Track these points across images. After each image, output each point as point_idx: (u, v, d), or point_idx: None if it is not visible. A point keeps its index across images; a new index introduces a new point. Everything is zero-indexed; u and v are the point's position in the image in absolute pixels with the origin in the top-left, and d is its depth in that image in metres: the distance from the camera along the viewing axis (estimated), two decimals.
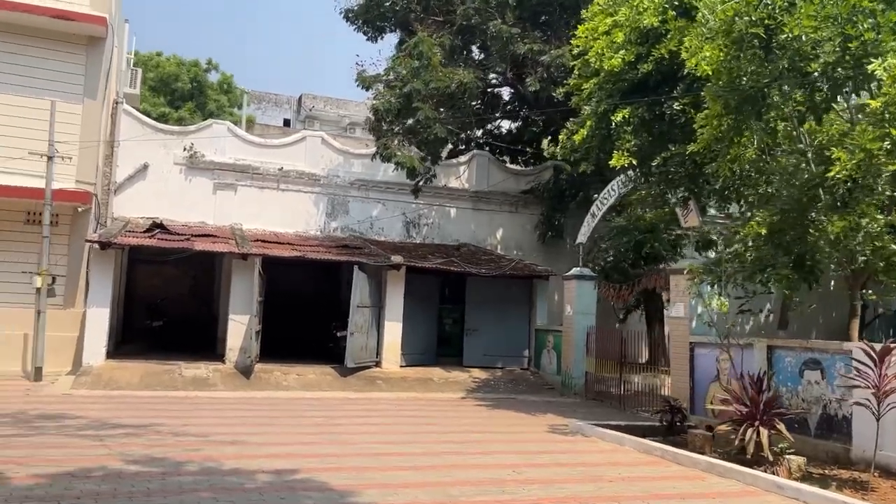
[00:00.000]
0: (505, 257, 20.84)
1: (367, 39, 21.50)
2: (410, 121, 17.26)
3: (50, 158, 15.20)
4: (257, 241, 17.66)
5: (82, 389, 13.66)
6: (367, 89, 18.42)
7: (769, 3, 9.50)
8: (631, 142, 12.22)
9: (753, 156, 10.89)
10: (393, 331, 17.57)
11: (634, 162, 12.24)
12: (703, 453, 10.09)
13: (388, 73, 17.47)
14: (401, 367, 17.54)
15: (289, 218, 20.56)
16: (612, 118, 12.32)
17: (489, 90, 20.98)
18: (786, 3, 9.36)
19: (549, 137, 25.28)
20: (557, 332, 17.93)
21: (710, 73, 9.82)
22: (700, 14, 10.29)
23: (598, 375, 16.75)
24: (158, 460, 7.86)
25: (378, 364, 17.37)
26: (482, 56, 17.72)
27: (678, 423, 11.67)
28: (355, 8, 20.10)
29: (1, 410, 10.78)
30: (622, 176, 15.89)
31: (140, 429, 9.80)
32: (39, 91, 16.72)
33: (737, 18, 9.52)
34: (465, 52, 17.97)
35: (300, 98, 46.60)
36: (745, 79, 9.88)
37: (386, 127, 17.58)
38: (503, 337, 18.84)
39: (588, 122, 12.76)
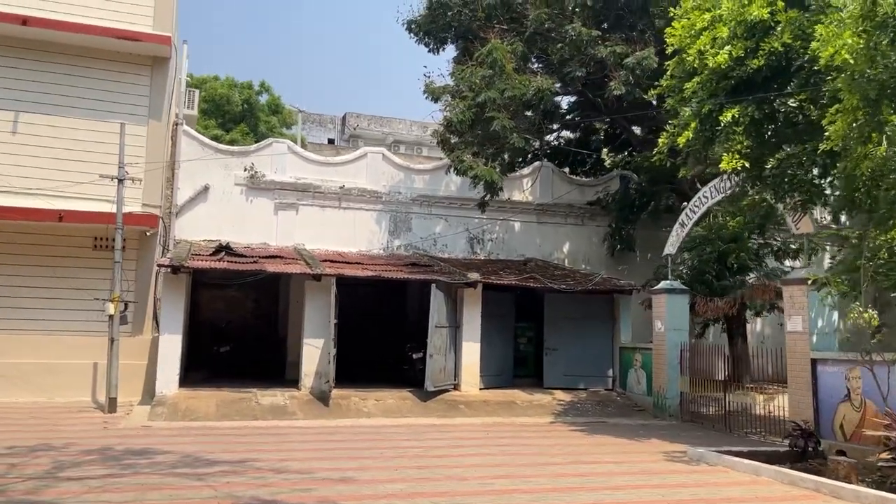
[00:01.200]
0: (579, 272, 19.93)
1: (429, 51, 20.86)
2: (477, 132, 16.50)
3: (120, 181, 14.76)
4: (325, 261, 17.02)
5: (160, 421, 13.06)
6: (437, 101, 17.73)
7: None
8: (743, 143, 11.27)
9: (884, 153, 9.90)
10: (471, 352, 16.75)
11: (747, 164, 11.27)
12: (848, 482, 9.05)
13: (458, 82, 16.74)
14: (480, 389, 16.69)
15: (351, 236, 19.93)
16: (721, 118, 11.41)
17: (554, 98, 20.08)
18: None
19: (610, 146, 24.46)
20: (645, 350, 16.92)
21: (851, 62, 8.87)
22: None
23: (692, 395, 15.72)
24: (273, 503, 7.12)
25: (456, 387, 16.55)
26: (556, 62, 16.88)
27: (812, 449, 10.61)
28: (418, 18, 19.49)
29: (85, 446, 10.18)
30: (718, 181, 14.96)
31: (237, 465, 9.09)
32: (103, 114, 16.43)
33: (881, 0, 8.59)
34: (536, 59, 17.16)
35: (344, 117, 46.42)
36: (886, 67, 8.95)
37: (458, 139, 16.82)
38: (584, 356, 17.87)
39: (692, 124, 11.84)
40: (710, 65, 11.56)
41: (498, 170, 16.68)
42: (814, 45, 9.62)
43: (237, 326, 20.69)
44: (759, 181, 11.99)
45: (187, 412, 13.60)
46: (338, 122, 47.24)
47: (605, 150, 24.86)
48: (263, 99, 36.70)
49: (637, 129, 21.92)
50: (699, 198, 15.57)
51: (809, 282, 11.20)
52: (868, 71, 8.97)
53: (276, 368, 18.53)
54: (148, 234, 16.33)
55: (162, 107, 17.22)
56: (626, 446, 12.05)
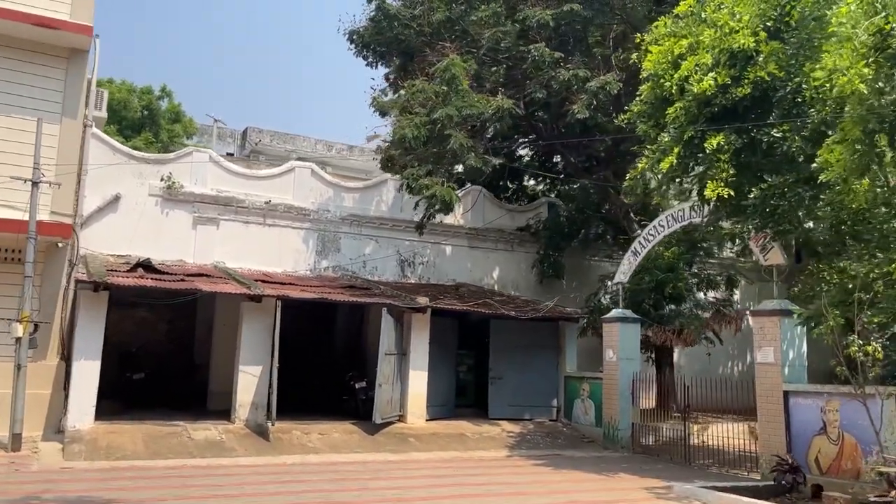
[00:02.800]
0: (519, 298, 19.46)
1: (367, 65, 20.05)
2: (432, 150, 15.78)
3: (35, 184, 12.92)
4: (257, 281, 15.65)
5: (80, 461, 11.32)
6: (384, 115, 16.86)
7: None
8: (728, 171, 11.12)
9: (866, 189, 9.98)
10: (418, 381, 15.81)
11: (732, 193, 11.12)
12: None
13: (410, 97, 15.94)
14: (426, 420, 15.75)
15: (276, 256, 18.49)
16: (706, 145, 11.24)
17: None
18: None
19: (538, 173, 24.32)
20: (594, 380, 16.57)
21: (865, 91, 8.82)
22: (838, 27, 9.32)
23: (643, 426, 15.49)
24: None
25: (402, 418, 15.54)
26: (506, 83, 16.46)
27: (799, 484, 10.43)
28: (361, 29, 18.63)
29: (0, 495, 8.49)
30: (677, 210, 14.91)
31: None
32: (11, 108, 14.45)
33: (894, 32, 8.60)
34: (488, 80, 16.64)
35: (245, 131, 44.50)
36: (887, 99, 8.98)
37: (409, 156, 15.98)
38: (530, 385, 17.31)
39: (675, 149, 11.61)
40: (695, 91, 11.39)
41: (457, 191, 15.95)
42: (818, 73, 9.55)
43: (149, 351, 18.71)
44: (739, 211, 11.87)
45: (110, 450, 11.88)
46: (238, 136, 45.26)
47: (531, 177, 24.70)
48: (164, 105, 34.39)
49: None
50: (654, 227, 15.47)
51: (796, 315, 11.09)
52: (875, 102, 8.95)
53: (197, 398, 16.83)
54: (60, 245, 14.42)
55: (77, 105, 15.39)
56: (603, 483, 11.51)
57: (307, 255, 19.21)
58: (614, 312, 16.06)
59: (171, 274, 14.99)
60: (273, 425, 13.49)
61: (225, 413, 14.96)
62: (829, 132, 10.71)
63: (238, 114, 76.94)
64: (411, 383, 15.72)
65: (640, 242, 15.82)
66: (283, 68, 74.33)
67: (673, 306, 18.08)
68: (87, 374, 13.13)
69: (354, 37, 18.83)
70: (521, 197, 24.18)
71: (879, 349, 9.06)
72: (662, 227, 15.24)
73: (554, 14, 15.13)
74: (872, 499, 9.13)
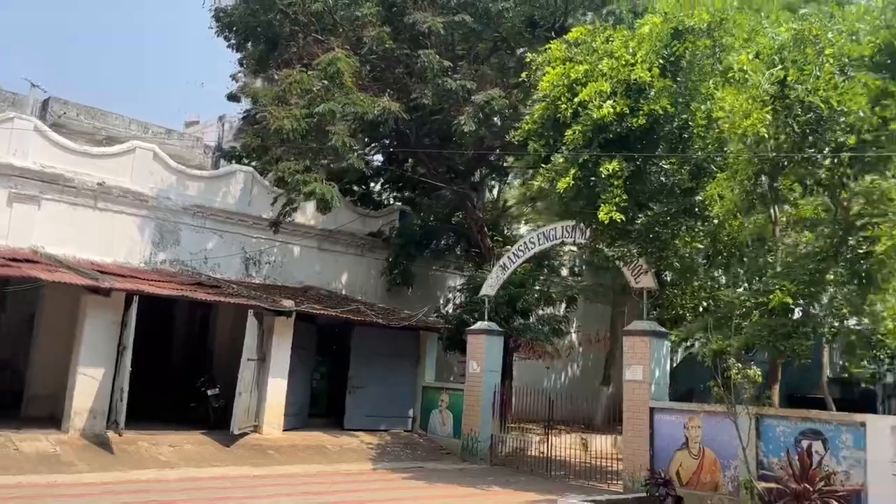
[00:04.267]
0: (377, 305, 19.02)
1: (228, 46, 18.82)
2: (311, 145, 15.03)
3: None
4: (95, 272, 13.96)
5: None
6: (255, 102, 15.77)
7: (819, 75, 9.57)
8: (620, 196, 11.59)
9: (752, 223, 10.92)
10: (277, 389, 14.84)
11: (623, 217, 11.59)
12: None
13: (288, 87, 15.01)
14: (283, 431, 14.83)
15: (107, 244, 16.56)
16: (602, 169, 11.64)
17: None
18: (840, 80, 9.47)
19: (390, 179, 24.10)
20: (454, 391, 16.56)
21: (766, 135, 9.56)
22: (739, 73, 10.06)
23: (500, 438, 15.73)
24: None
25: (257, 428, 14.49)
26: (392, 84, 16.11)
27: (669, 496, 11.02)
28: (230, 9, 17.36)
29: None
30: (548, 229, 15.32)
31: None
32: None
33: (797, 86, 9.42)
34: (372, 79, 16.16)
35: (47, 101, 39.93)
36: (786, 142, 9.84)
37: (282, 149, 15.04)
38: (388, 395, 16.90)
39: (571, 171, 11.91)
40: (594, 116, 11.77)
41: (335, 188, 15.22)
42: (719, 113, 10.22)
43: None
44: (623, 235, 12.39)
45: None
46: (37, 106, 40.51)
47: (386, 182, 24.40)
48: None
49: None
50: (525, 243, 15.81)
51: (673, 336, 11.76)
52: (772, 144, 9.75)
53: (10, 402, 14.58)
54: None
55: None
56: (482, 497, 11.44)
57: (143, 245, 17.43)
58: (480, 325, 16.15)
59: None
60: (121, 435, 11.98)
61: (49, 420, 13.12)
62: (709, 168, 11.58)
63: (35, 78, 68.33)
64: (269, 391, 14.73)
65: (509, 258, 16.06)
66: (94, 28, 67.07)
67: (522, 320, 18.64)
68: None
69: (221, 15, 17.50)
70: (367, 202, 23.73)
71: (759, 373, 9.81)
72: (533, 244, 15.59)
73: (444, 22, 14.99)
74: None
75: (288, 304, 14.90)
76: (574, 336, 25.45)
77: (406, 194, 23.72)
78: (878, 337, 10.42)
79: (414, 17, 15.11)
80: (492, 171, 20.91)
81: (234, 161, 20.32)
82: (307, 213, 20.46)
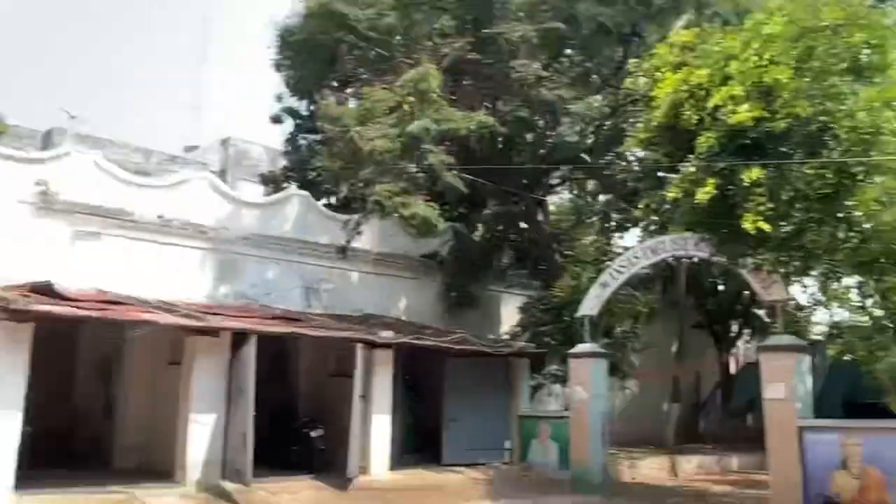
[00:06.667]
0: (456, 331, 18.19)
1: (279, 66, 18.21)
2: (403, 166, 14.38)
3: None
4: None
5: None
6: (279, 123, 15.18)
7: None
8: (765, 205, 10.98)
9: None
10: (382, 426, 14.07)
11: (769, 227, 10.97)
12: None
13: (372, 105, 14.34)
14: (389, 470, 13.98)
15: (168, 280, 15.71)
16: (745, 177, 11.03)
17: None
18: None
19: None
20: (555, 420, 15.77)
21: None
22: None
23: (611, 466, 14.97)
24: None
25: (363, 470, 13.62)
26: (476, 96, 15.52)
27: None
28: (290, 26, 16.78)
29: None
30: (653, 243, 14.68)
31: None
32: None
33: None
34: (454, 93, 15.52)
35: (49, 132, 38.90)
36: None
37: (369, 171, 14.30)
38: (483, 427, 16.05)
39: (710, 181, 11.29)
40: (730, 122, 11.20)
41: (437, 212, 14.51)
42: (861, 115, 9.68)
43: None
44: (761, 244, 11.75)
45: None
46: (38, 138, 39.49)
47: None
48: None
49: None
50: (628, 259, 15.14)
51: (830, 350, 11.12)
52: None
53: (102, 453, 13.65)
54: None
55: None
56: None
57: (205, 278, 16.58)
58: (584, 347, 15.36)
59: (83, 301, 12.06)
60: (248, 486, 11.09)
61: (151, 473, 12.21)
62: (852, 170, 11.02)
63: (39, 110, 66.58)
64: (374, 429, 13.91)
65: (610, 274, 15.33)
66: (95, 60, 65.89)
67: (606, 339, 17.91)
68: (6, 431, 10.01)
69: (285, 34, 16.88)
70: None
71: None
72: (637, 258, 14.93)
73: (537, 30, 14.40)
74: None
75: (386, 335, 14.13)
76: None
77: (458, 212, 22.91)
78: None
79: (502, 27, 14.52)
80: (562, 182, 20.18)
81: (286, 185, 19.65)
82: (363, 238, 19.67)
